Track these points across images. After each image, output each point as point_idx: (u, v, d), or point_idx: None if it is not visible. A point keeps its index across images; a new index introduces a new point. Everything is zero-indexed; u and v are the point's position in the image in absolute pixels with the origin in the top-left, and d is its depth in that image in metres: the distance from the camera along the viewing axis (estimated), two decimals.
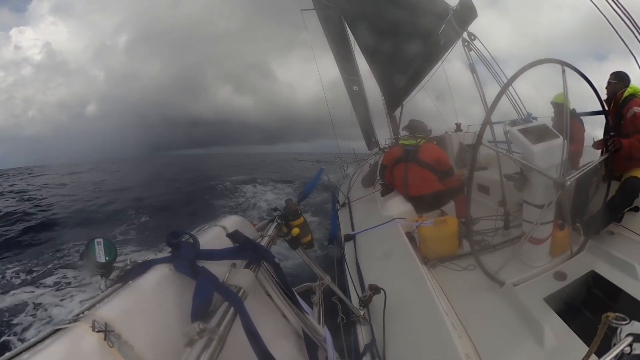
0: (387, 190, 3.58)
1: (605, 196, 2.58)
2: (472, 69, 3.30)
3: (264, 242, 1.17)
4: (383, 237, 2.66)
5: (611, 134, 2.48)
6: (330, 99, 8.31)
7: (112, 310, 0.62)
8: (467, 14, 3.32)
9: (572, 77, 2.22)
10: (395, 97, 5.48)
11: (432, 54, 3.98)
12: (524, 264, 2.34)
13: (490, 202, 3.72)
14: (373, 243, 2.64)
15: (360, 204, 3.89)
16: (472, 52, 3.27)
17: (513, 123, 2.41)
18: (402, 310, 1.68)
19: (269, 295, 1.17)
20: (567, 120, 2.16)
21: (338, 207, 4.19)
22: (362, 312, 1.69)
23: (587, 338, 1.62)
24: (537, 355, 1.63)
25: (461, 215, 3.11)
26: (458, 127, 6.27)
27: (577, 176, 2.12)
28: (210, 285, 0.75)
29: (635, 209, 2.72)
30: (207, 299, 0.71)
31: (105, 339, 0.55)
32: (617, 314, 0.77)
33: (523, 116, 2.84)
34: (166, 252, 0.85)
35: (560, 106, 3.33)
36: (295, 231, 1.36)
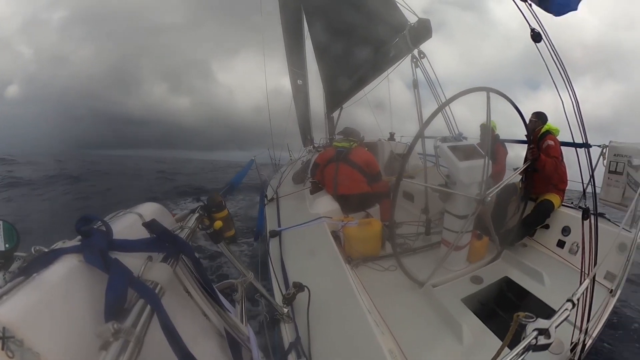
0: (316, 188, 3.68)
1: (521, 214, 3.10)
2: (415, 84, 3.59)
3: (183, 234, 1.11)
4: (309, 235, 2.72)
5: (531, 146, 2.91)
6: (272, 105, 8.14)
7: (13, 310, 0.51)
8: (422, 32, 3.55)
9: (507, 106, 2.57)
10: (336, 98, 5.65)
11: (380, 64, 4.20)
12: (443, 268, 2.61)
13: (414, 209, 4.11)
14: (299, 240, 2.68)
15: (289, 200, 3.91)
16: (417, 69, 3.56)
17: (444, 139, 2.69)
18: (326, 308, 1.74)
19: (188, 292, 1.11)
20: (489, 142, 2.54)
21: (266, 202, 4.14)
22: (285, 310, 1.71)
23: (500, 334, 1.88)
24: (456, 350, 1.84)
25: (385, 218, 3.37)
26: (391, 137, 6.79)
27: (495, 192, 2.44)
28: (124, 280, 0.69)
29: (547, 227, 3.28)
30: (121, 296, 0.65)
31: (3, 349, 0.46)
32: (526, 313, 0.96)
33: (454, 135, 3.13)
34: (76, 240, 0.74)
35: (484, 129, 3.76)
36: (218, 224, 1.31)
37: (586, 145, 2.13)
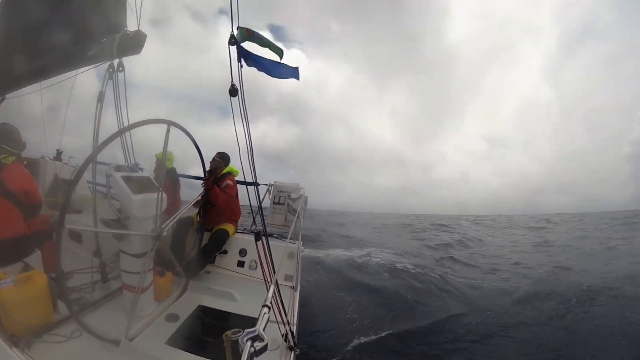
0: None
1: (199, 244, 3.32)
2: (101, 98, 3.08)
3: None
4: None
5: (205, 177, 3.21)
6: None
7: None
8: (133, 45, 3.12)
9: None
10: (2, 79, 3.70)
11: (73, 58, 3.23)
12: (134, 316, 2.36)
13: (84, 251, 3.42)
14: None
15: None
16: (110, 82, 3.09)
17: (118, 168, 2.52)
18: None
19: None
20: (163, 175, 2.61)
21: None
22: None
23: (222, 358, 1.93)
24: None
25: (50, 269, 2.57)
26: (58, 155, 5.35)
27: (170, 225, 2.51)
28: None
29: (225, 252, 3.72)
30: None
31: None
32: (232, 330, 1.05)
33: (130, 164, 2.98)
34: None
35: (160, 161, 3.68)
36: None
37: (255, 184, 2.67)
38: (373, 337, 5.63)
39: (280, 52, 2.45)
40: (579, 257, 13.58)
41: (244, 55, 2.22)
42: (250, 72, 2.42)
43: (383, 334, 5.73)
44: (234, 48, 2.09)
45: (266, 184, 4.77)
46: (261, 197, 3.39)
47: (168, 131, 2.39)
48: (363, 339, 5.49)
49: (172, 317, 2.55)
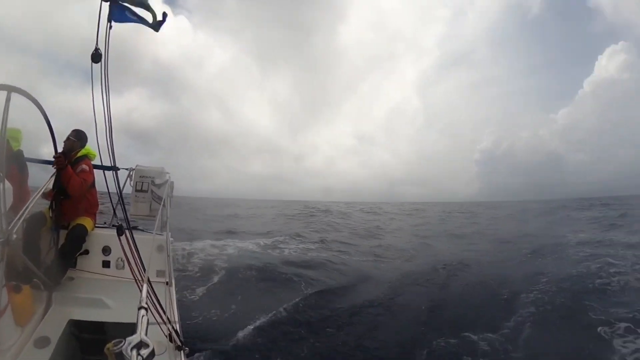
0: None
1: (56, 245, 2.66)
2: None
3: None
4: None
5: (56, 155, 2.66)
6: None
7: None
8: None
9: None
10: None
11: None
12: None
13: None
14: None
15: None
16: None
17: None
18: None
19: None
20: (3, 158, 1.97)
21: None
22: None
23: None
24: None
25: None
26: None
27: (18, 224, 2.00)
28: None
29: (86, 252, 3.14)
30: None
31: None
32: (113, 341, 0.96)
33: None
34: None
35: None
36: None
37: (114, 169, 2.40)
38: (263, 320, 5.75)
39: (155, 16, 2.26)
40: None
41: (116, 14, 1.97)
42: (126, 31, 2.15)
43: (269, 316, 5.92)
44: (106, 5, 1.86)
45: (127, 169, 4.06)
46: (121, 184, 3.08)
47: (8, 100, 1.88)
48: (253, 324, 5.56)
49: (42, 342, 2.12)
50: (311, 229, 19.36)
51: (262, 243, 13.56)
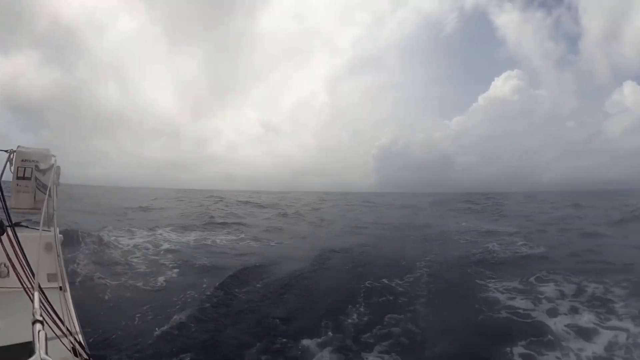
0: None
1: None
2: None
3: None
4: None
5: None
6: None
7: None
8: None
9: None
10: None
11: None
12: None
13: None
14: None
15: None
16: None
17: None
18: None
19: None
20: None
21: None
22: None
23: None
24: None
25: None
26: None
27: None
28: None
29: None
30: None
31: None
32: None
33: None
34: None
35: None
36: None
37: None
38: (171, 323, 5.34)
39: None
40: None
41: None
42: None
43: (176, 318, 5.54)
44: None
45: (6, 150, 3.18)
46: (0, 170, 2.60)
47: None
48: (160, 329, 5.12)
49: None
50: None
51: (172, 235, 13.27)
